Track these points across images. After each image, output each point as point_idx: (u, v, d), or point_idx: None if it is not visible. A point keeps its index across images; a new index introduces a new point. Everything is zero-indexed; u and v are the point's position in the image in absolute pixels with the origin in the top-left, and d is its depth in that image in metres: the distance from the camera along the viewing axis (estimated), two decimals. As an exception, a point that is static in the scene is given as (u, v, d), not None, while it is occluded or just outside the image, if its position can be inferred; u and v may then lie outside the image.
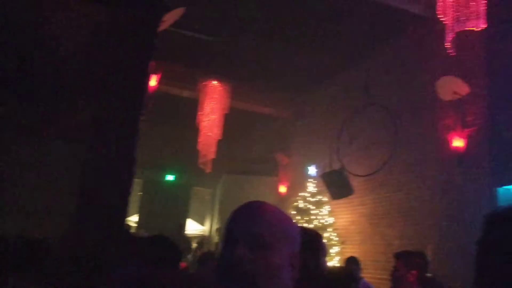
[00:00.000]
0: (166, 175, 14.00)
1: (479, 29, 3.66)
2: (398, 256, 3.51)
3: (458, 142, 6.36)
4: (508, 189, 5.91)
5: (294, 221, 1.18)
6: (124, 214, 3.69)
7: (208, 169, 8.82)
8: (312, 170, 9.22)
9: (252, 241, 1.06)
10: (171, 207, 13.19)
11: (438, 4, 3.67)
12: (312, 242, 2.20)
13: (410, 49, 7.71)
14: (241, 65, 9.45)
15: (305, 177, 9.35)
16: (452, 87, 6.30)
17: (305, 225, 8.17)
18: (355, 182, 8.26)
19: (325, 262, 2.27)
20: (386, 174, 7.74)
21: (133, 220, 14.10)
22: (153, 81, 6.08)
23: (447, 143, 6.54)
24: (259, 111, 11.46)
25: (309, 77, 9.93)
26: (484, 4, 3.61)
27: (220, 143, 9.13)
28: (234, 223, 1.11)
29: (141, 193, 13.79)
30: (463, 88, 6.23)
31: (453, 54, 4.08)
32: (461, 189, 6.35)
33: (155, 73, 6.20)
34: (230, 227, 1.11)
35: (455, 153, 6.44)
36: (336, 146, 8.90)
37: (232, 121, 9.62)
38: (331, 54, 8.78)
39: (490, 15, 5.32)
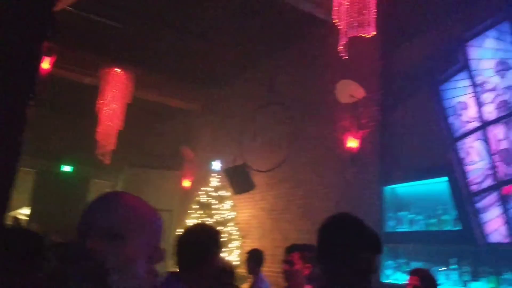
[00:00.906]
0: (62, 166, 13.17)
1: (370, 35, 3.93)
2: (293, 249, 3.55)
3: (352, 143, 6.75)
4: (393, 188, 6.40)
5: (156, 212, 1.14)
6: (4, 208, 3.37)
7: (107, 161, 8.44)
8: (216, 165, 9.24)
9: (104, 232, 1.02)
10: (68, 200, 12.43)
11: (333, 9, 3.87)
12: (211, 239, 2.20)
13: (313, 51, 8.03)
14: (149, 55, 9.19)
15: (210, 172, 9.35)
16: (349, 90, 6.67)
17: (207, 219, 8.17)
18: (257, 178, 8.43)
19: (220, 258, 2.30)
20: (287, 171, 8.00)
21: (23, 213, 13.10)
22: (45, 64, 5.65)
23: (343, 143, 6.91)
24: (167, 103, 11.24)
25: (218, 72, 9.93)
26: (374, 13, 3.87)
27: (123, 135, 8.78)
28: (87, 215, 1.06)
29: (34, 184, 12.87)
30: (359, 92, 6.63)
31: (345, 57, 4.33)
32: (354, 187, 6.75)
33: (49, 55, 5.77)
34: (83, 219, 1.06)
35: (349, 153, 6.83)
36: (240, 141, 9.01)
37: (137, 112, 9.32)
38: (240, 51, 8.85)
39: (383, 23, 5.70)
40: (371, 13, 3.80)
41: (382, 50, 6.81)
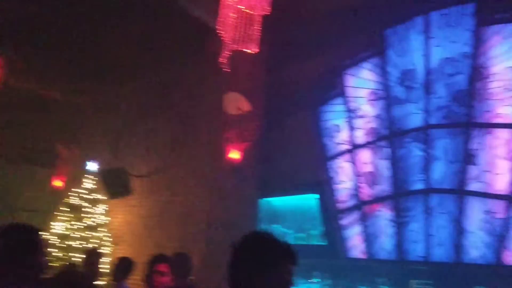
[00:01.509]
0: None
1: (253, 52, 4.05)
2: (161, 260, 3.45)
3: (234, 154, 6.83)
4: (269, 201, 6.61)
5: None
6: None
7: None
8: (92, 165, 8.70)
9: None
10: None
11: (219, 20, 3.91)
12: (29, 240, 2.03)
13: (206, 61, 8.02)
14: (28, 41, 8.40)
15: (84, 172, 8.78)
16: (236, 103, 6.77)
17: (76, 223, 7.65)
18: (134, 183, 8.11)
19: (45, 260, 2.09)
20: (166, 178, 7.82)
21: None
22: None
23: (225, 154, 6.97)
24: (46, 95, 10.36)
25: (107, 70, 9.41)
26: (258, 31, 3.99)
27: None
28: None
29: None
30: (245, 105, 6.76)
31: (227, 70, 4.40)
32: (232, 198, 6.83)
33: None
34: None
35: (231, 164, 6.90)
36: (119, 144, 8.64)
37: (9, 101, 8.45)
38: (133, 55, 8.49)
39: (273, 42, 5.90)
40: (255, 31, 3.91)
41: (270, 68, 7.06)
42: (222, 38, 3.99)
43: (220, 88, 6.76)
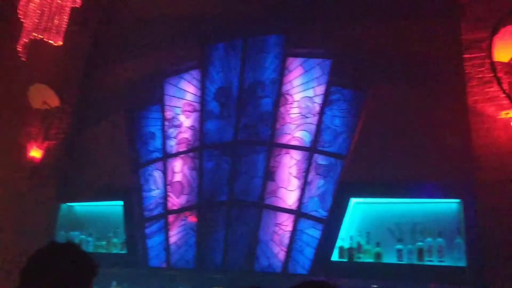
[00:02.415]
0: None
1: (56, 44, 3.75)
2: None
3: (35, 153, 6.21)
4: (70, 206, 6.16)
5: None
6: None
7: None
8: None
9: None
10: None
11: (21, 4, 3.51)
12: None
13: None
14: None
15: None
16: (43, 96, 6.19)
17: None
18: None
19: None
20: None
21: None
22: None
23: (25, 152, 6.28)
24: None
25: None
26: (66, 23, 3.73)
27: None
28: None
29: None
30: (53, 100, 6.22)
31: (24, 59, 4.00)
32: (29, 201, 6.16)
33: None
34: None
35: (30, 163, 6.24)
36: None
37: None
38: None
39: (90, 37, 5.56)
40: (63, 22, 3.63)
41: (88, 65, 6.66)
42: (23, 24, 3.60)
43: (20, 77, 6.08)
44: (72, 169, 6.21)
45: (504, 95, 3.84)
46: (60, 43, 3.64)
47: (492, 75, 3.88)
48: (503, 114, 4.14)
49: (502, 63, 4.14)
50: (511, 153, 3.99)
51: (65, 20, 3.63)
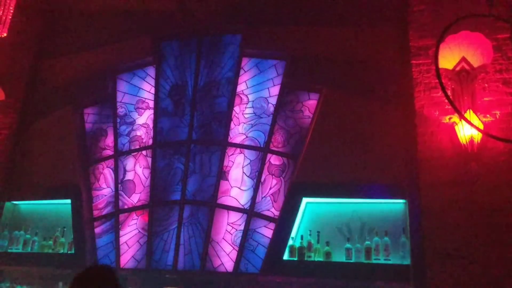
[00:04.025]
0: None
1: (1, 35, 3.59)
2: None
3: (-23, 148, 5.91)
4: (15, 204, 5.91)
5: None
6: None
7: None
8: None
9: None
10: None
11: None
12: None
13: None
14: None
15: None
16: (-14, 90, 5.88)
17: None
18: None
19: None
20: None
21: None
22: None
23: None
24: None
25: None
26: (11, 13, 3.58)
27: None
28: None
29: None
30: (-2, 94, 5.93)
31: None
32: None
33: None
34: None
35: (-29, 159, 5.94)
36: None
37: None
38: None
39: (37, 30, 5.35)
40: (8, 13, 3.48)
41: (36, 58, 6.41)
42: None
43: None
44: (17, 166, 5.96)
45: (448, 100, 4.02)
46: (5, 34, 3.48)
47: (437, 81, 4.05)
48: (446, 119, 4.33)
49: (446, 70, 4.34)
50: (453, 156, 4.19)
51: (10, 10, 3.47)
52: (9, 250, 5.57)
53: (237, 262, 4.90)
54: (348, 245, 4.52)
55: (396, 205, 4.57)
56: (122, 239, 5.35)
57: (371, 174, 4.61)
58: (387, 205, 4.60)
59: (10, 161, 5.98)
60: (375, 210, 4.63)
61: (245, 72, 5.56)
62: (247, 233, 4.97)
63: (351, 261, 4.46)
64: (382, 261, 4.37)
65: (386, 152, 4.64)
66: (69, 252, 5.35)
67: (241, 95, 5.49)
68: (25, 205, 5.96)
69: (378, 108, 4.82)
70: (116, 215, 5.45)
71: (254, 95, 5.45)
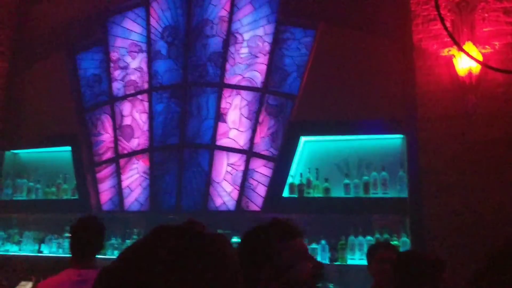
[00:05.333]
0: None
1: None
2: None
3: (-29, 99, 5.85)
4: (15, 153, 5.95)
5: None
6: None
7: None
8: None
9: None
10: None
11: None
12: None
13: None
14: None
15: None
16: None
17: None
18: None
19: None
20: None
21: None
22: None
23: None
24: None
25: None
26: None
27: None
28: None
29: None
30: (-14, 42, 5.79)
31: None
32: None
33: None
34: None
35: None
36: None
37: None
38: None
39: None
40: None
41: (22, 3, 6.20)
42: None
43: None
44: (14, 115, 5.93)
45: (447, 32, 3.94)
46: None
47: (436, 13, 3.95)
48: (445, 52, 4.27)
49: (445, 1, 4.22)
50: (451, 90, 4.18)
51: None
52: (14, 198, 5.67)
53: (238, 201, 5.01)
54: (346, 181, 4.61)
55: (394, 140, 4.61)
56: (124, 183, 5.44)
57: (368, 110, 4.62)
58: (385, 141, 4.65)
59: (6, 111, 5.93)
60: (373, 146, 4.68)
61: (239, 9, 5.40)
62: (247, 172, 5.04)
63: (350, 196, 4.57)
64: (380, 195, 4.48)
65: (384, 88, 4.62)
66: (72, 197, 5.44)
67: (235, 34, 5.37)
68: (26, 153, 5.99)
69: (376, 42, 4.73)
70: (116, 160, 5.50)
71: (249, 33, 5.32)
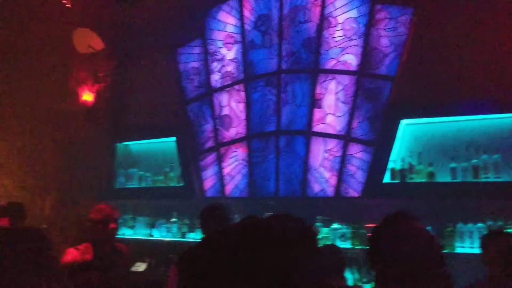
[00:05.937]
0: None
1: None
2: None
3: (87, 97, 6.43)
4: (126, 145, 6.45)
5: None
6: None
7: None
8: None
9: None
10: None
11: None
12: None
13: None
14: None
15: None
16: (87, 40, 6.27)
17: None
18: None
19: None
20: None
21: None
22: None
23: (78, 96, 6.51)
24: None
25: None
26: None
27: None
28: None
29: None
30: (97, 43, 6.30)
31: (68, 5, 4.04)
32: (86, 143, 6.47)
33: None
34: None
35: (83, 107, 6.48)
36: None
37: None
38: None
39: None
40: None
41: (120, 4, 6.63)
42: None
43: (59, 23, 6.12)
44: (123, 109, 6.42)
45: None
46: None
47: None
48: None
49: None
50: None
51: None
52: (127, 186, 6.17)
53: (337, 187, 4.98)
54: (453, 165, 4.36)
55: (507, 119, 4.25)
56: (225, 171, 5.66)
57: (475, 89, 4.30)
58: (496, 121, 4.30)
59: (117, 106, 6.44)
60: (482, 127, 4.36)
61: (332, -8, 5.29)
62: (345, 158, 4.98)
63: (457, 180, 4.31)
64: (491, 179, 4.17)
65: (492, 64, 4.26)
66: (178, 185, 5.79)
67: (329, 18, 5.28)
68: (135, 145, 6.47)
69: (480, 17, 4.37)
70: (217, 149, 5.73)
71: (342, 16, 5.21)
